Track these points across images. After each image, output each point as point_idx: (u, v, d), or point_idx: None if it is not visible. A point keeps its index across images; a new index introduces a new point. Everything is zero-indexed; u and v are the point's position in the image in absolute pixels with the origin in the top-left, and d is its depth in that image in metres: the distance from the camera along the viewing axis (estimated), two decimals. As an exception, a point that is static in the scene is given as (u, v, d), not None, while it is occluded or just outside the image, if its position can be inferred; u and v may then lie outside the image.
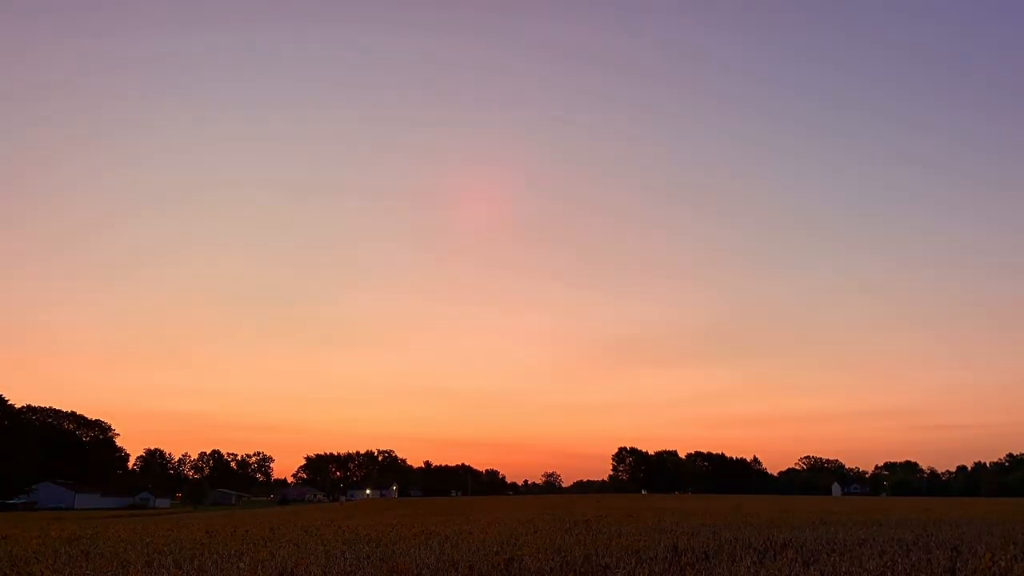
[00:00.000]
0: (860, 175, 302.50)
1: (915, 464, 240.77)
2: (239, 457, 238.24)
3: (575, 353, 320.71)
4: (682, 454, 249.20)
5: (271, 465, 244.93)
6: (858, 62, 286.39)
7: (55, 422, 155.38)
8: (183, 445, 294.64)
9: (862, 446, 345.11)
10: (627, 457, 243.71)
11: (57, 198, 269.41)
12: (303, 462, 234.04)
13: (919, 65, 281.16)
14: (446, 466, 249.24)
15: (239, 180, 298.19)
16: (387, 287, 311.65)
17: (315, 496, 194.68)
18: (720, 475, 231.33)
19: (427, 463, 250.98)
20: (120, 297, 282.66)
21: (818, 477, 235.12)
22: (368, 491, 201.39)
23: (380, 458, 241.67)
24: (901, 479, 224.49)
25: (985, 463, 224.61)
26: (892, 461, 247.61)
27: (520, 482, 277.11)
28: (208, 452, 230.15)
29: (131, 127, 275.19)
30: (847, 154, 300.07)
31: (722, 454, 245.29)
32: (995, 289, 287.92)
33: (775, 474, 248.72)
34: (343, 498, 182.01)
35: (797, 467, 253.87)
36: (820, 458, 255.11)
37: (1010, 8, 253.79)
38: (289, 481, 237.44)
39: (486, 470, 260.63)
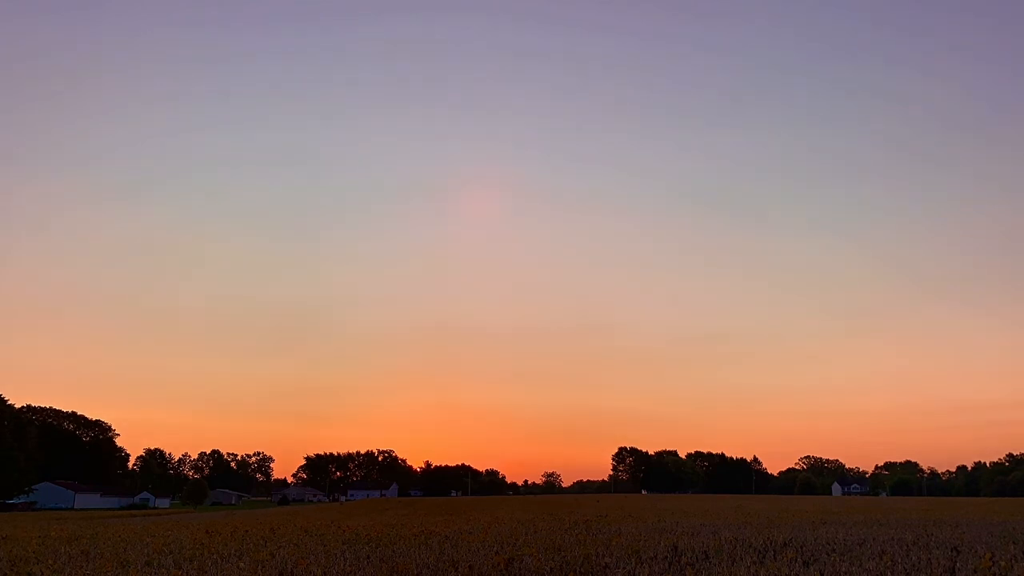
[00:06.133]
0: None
1: (915, 464, 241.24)
2: (239, 457, 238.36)
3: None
4: (682, 454, 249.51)
5: (271, 465, 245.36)
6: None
7: (55, 422, 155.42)
8: (183, 445, 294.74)
9: (862, 446, 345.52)
10: (627, 457, 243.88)
11: (60, 205, 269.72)
12: (303, 462, 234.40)
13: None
14: (446, 466, 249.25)
15: (239, 185, 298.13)
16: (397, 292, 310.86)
17: (315, 496, 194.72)
18: (720, 475, 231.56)
19: (427, 463, 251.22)
20: (121, 299, 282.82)
21: (818, 477, 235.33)
22: (368, 491, 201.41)
23: (380, 458, 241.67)
24: (901, 479, 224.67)
25: (985, 463, 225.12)
26: (892, 461, 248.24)
27: (520, 482, 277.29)
28: (208, 452, 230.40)
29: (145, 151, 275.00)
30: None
31: (722, 454, 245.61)
32: (996, 284, 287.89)
33: (775, 474, 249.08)
34: (343, 498, 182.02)
35: (797, 467, 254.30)
36: (820, 458, 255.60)
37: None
38: (289, 481, 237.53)
39: (486, 470, 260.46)
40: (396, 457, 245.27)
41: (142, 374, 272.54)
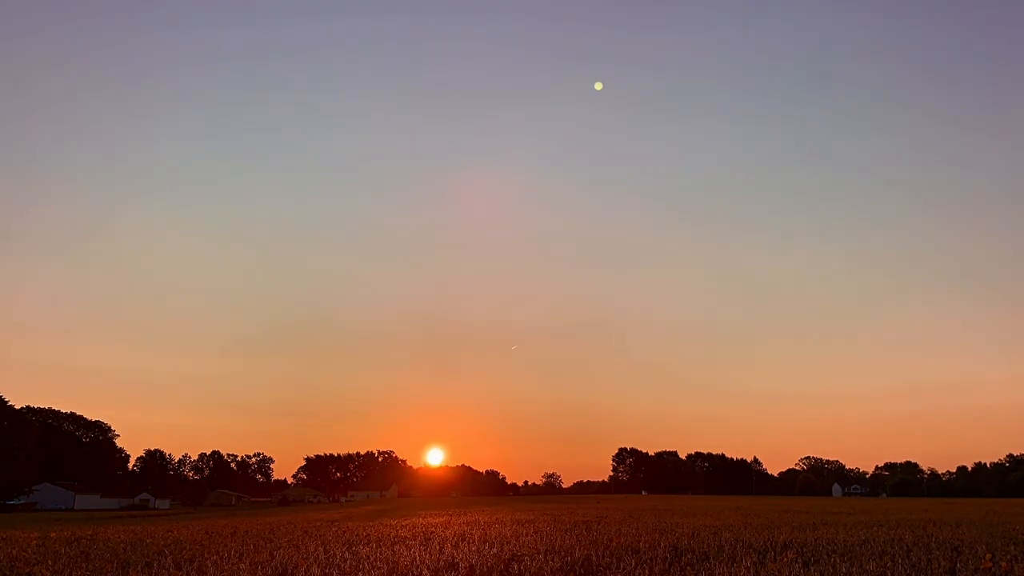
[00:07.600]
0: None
1: (915, 464, 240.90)
2: (239, 458, 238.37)
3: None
4: (682, 455, 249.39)
5: (271, 466, 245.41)
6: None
7: (55, 423, 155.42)
8: (183, 446, 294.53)
9: (862, 446, 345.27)
10: (627, 458, 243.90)
11: (61, 203, 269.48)
12: (303, 462, 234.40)
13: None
14: (446, 466, 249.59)
15: (238, 188, 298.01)
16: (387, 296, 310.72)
17: (315, 497, 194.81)
18: (720, 475, 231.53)
19: (427, 463, 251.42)
20: (122, 299, 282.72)
21: (818, 477, 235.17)
22: (368, 491, 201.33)
23: (380, 458, 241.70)
24: (901, 479, 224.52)
25: (985, 463, 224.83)
26: (892, 461, 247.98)
27: (520, 482, 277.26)
28: (208, 453, 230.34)
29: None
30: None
31: (722, 454, 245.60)
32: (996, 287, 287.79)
33: (775, 474, 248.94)
34: (343, 499, 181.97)
35: (797, 467, 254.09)
36: (820, 458, 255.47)
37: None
38: (289, 482, 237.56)
39: (486, 470, 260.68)
40: (396, 457, 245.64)
41: (142, 374, 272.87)
